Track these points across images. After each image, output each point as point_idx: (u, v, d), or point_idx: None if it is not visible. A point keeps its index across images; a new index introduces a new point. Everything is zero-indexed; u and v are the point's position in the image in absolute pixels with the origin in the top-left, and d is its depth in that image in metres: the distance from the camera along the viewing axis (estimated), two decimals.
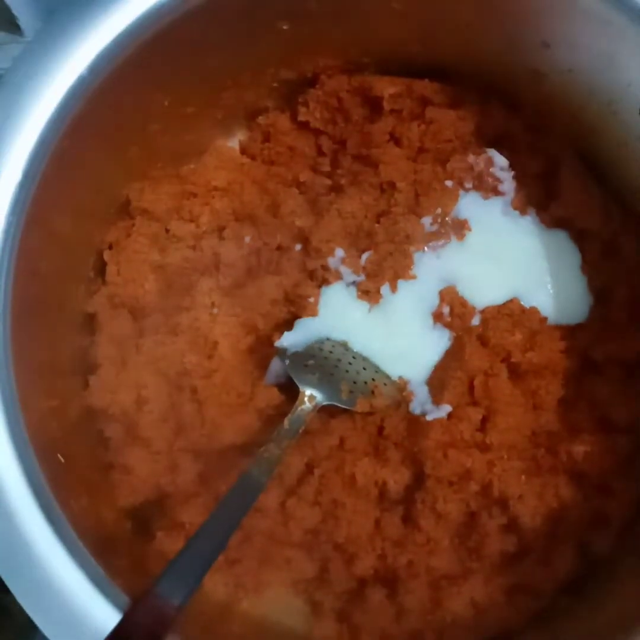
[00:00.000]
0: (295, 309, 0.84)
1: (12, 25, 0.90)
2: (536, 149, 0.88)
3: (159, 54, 0.70)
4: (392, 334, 0.84)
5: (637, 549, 0.77)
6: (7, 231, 0.64)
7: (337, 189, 0.89)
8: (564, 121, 0.85)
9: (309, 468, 0.80)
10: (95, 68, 0.66)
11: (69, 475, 0.71)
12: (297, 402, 0.77)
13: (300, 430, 0.75)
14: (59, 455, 0.68)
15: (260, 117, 0.92)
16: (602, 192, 0.86)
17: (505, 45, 0.81)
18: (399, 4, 0.77)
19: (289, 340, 0.82)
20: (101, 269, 0.84)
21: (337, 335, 0.84)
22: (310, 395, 0.78)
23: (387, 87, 0.86)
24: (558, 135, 0.87)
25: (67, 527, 0.61)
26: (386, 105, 0.87)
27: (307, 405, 0.77)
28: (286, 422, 0.75)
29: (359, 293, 0.83)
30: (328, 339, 0.83)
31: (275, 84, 0.89)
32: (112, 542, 0.74)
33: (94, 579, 0.60)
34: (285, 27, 0.78)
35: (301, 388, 0.78)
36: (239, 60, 0.80)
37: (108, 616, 0.59)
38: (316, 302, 0.84)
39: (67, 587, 0.59)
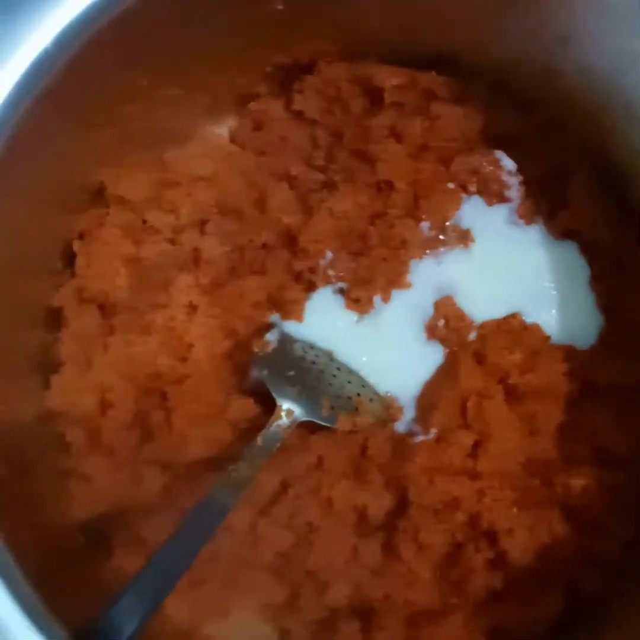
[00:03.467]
0: (278, 312, 0.80)
1: None
2: (545, 153, 0.83)
3: (136, 28, 0.64)
4: (381, 345, 0.79)
5: (629, 591, 0.72)
6: None
7: (330, 185, 0.83)
8: (578, 125, 0.81)
9: (284, 487, 0.75)
10: (62, 42, 0.60)
11: (17, 484, 0.66)
12: (273, 417, 0.73)
13: (275, 448, 0.70)
14: None
15: (251, 103, 0.87)
16: (615, 204, 0.81)
17: (520, 39, 0.77)
18: None
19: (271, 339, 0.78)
20: (70, 260, 0.79)
21: (322, 343, 0.79)
22: (288, 409, 0.73)
23: (389, 78, 0.81)
24: (570, 139, 0.82)
25: (3, 549, 0.55)
26: (388, 98, 0.82)
27: (285, 420, 0.72)
28: (260, 438, 0.71)
29: (348, 302, 0.79)
30: (312, 347, 0.78)
31: (269, 69, 0.84)
32: (61, 559, 0.69)
33: (31, 611, 0.54)
34: (280, 7, 0.73)
35: (278, 401, 0.73)
36: (229, 40, 0.75)
37: None
38: (302, 307, 0.79)
39: None
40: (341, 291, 0.79)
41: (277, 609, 0.75)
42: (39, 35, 0.59)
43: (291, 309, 0.79)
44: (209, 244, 0.81)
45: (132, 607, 0.56)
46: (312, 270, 0.80)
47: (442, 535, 0.73)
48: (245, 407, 0.75)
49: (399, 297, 0.79)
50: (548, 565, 0.73)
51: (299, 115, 0.85)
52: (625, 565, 0.74)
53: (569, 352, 0.77)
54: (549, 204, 0.81)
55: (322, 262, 0.79)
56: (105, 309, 0.80)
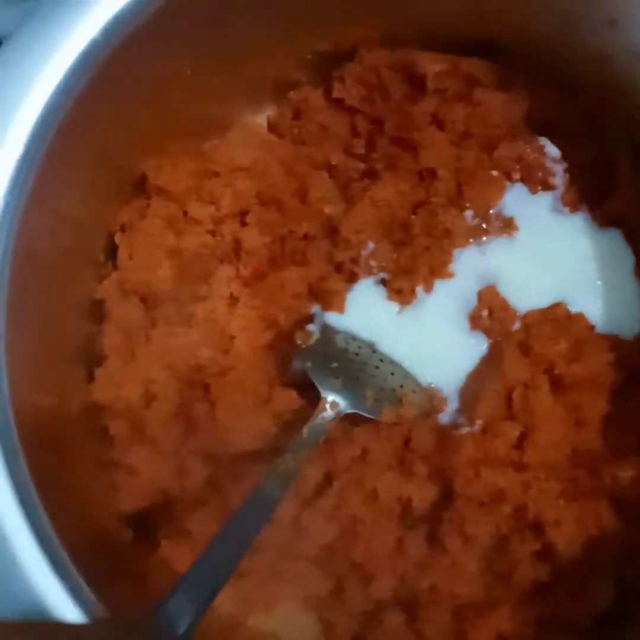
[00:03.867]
0: (319, 304, 0.79)
1: None
2: (590, 139, 0.81)
3: (181, 16, 0.64)
4: (423, 336, 0.78)
5: None
6: (5, 210, 0.59)
7: (371, 174, 0.82)
8: (624, 110, 0.78)
9: (328, 479, 0.74)
10: (110, 31, 0.60)
11: (64, 477, 0.66)
12: (318, 409, 0.72)
13: (320, 441, 0.70)
14: None
15: (291, 92, 0.86)
16: None
17: (565, 22, 0.74)
18: None
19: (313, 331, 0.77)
20: (112, 252, 0.79)
21: (364, 335, 0.78)
22: (333, 401, 0.72)
23: (432, 65, 0.80)
24: (615, 125, 0.80)
25: (56, 544, 0.55)
26: (430, 84, 0.81)
27: (329, 412, 0.72)
28: (305, 430, 0.70)
29: (390, 292, 0.78)
30: (354, 338, 0.77)
31: (308, 56, 0.83)
32: (109, 552, 0.69)
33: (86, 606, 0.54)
34: None
35: (323, 393, 0.72)
36: (268, 27, 0.74)
37: None
38: (343, 298, 0.78)
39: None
40: (383, 282, 0.78)
41: (322, 601, 0.75)
42: (87, 26, 0.58)
43: (332, 300, 0.78)
44: (250, 234, 0.80)
45: (187, 601, 0.55)
46: (353, 260, 0.79)
47: (487, 527, 0.72)
48: (288, 399, 0.75)
49: (441, 287, 0.78)
50: (595, 558, 0.71)
51: (339, 103, 0.84)
52: None
53: (614, 342, 0.76)
54: (594, 192, 0.79)
55: (363, 253, 0.78)
56: (147, 300, 0.79)
